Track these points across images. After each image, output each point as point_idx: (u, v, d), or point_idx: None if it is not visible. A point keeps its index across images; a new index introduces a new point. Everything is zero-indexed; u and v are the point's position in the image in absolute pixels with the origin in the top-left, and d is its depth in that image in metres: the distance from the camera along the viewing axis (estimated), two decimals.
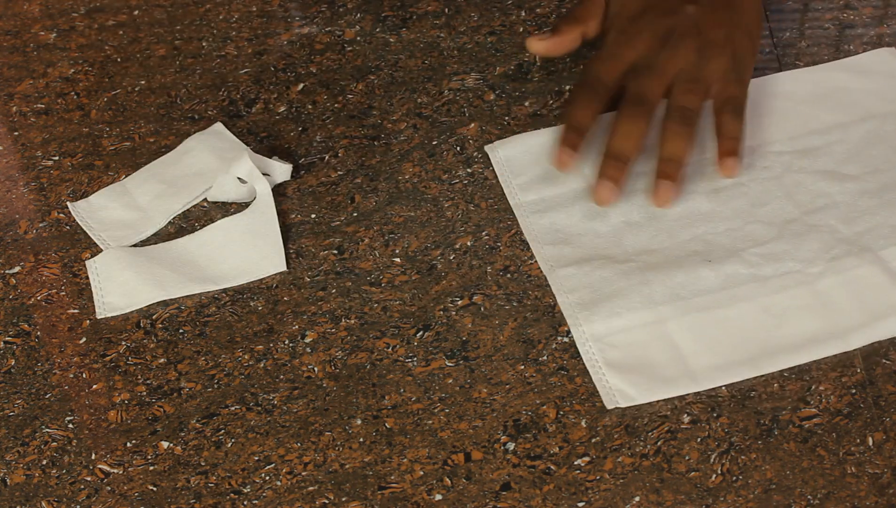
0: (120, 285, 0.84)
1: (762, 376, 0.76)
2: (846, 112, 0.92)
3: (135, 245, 0.87)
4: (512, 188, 0.89)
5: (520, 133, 0.93)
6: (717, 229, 0.85)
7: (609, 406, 0.75)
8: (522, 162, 0.91)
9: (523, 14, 1.04)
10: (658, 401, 0.75)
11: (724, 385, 0.76)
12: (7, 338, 0.82)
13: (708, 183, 0.87)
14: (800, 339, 0.78)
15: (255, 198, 0.88)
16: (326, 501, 0.73)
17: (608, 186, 0.84)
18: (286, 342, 0.81)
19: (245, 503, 0.73)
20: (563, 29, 0.93)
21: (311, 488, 0.73)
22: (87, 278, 0.85)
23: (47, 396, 0.79)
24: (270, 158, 0.90)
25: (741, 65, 0.88)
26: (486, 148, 0.92)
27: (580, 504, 0.71)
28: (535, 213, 0.87)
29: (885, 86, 0.94)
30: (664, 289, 0.81)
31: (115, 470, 0.75)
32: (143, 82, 0.99)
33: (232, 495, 0.73)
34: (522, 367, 0.78)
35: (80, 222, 0.88)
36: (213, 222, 0.88)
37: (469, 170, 0.91)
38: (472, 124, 0.94)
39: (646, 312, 0.80)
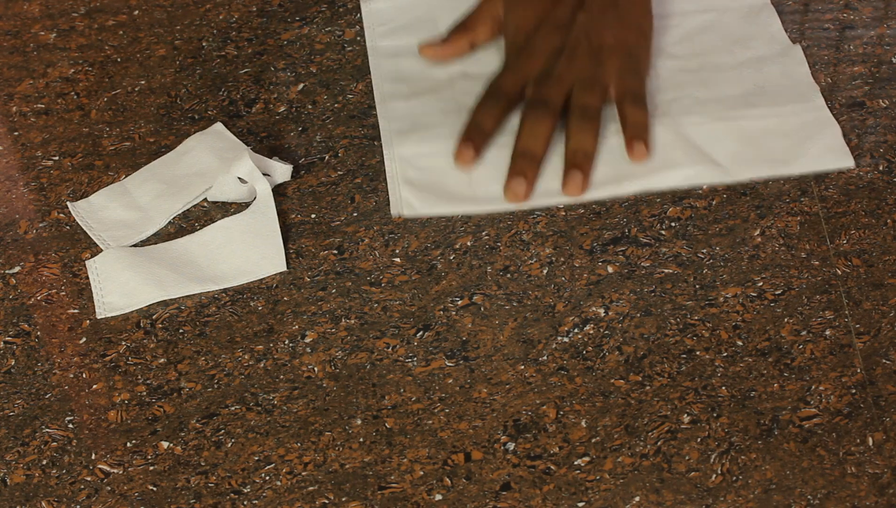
0: (120, 285, 0.84)
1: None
2: (691, 3, 1.00)
3: (135, 245, 0.87)
4: (374, 34, 0.99)
5: None
6: None
7: (394, 214, 0.87)
8: (390, 14, 1.00)
9: None
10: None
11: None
12: (7, 338, 0.82)
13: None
14: None
15: (255, 198, 0.88)
16: (326, 501, 0.73)
17: (520, 181, 0.87)
18: (286, 342, 0.81)
19: (245, 503, 0.73)
20: (452, 38, 0.97)
21: (311, 488, 0.73)
22: (87, 278, 0.85)
23: (47, 396, 0.79)
24: (271, 158, 0.90)
25: (635, 60, 0.93)
26: (361, 2, 1.02)
27: (580, 504, 0.71)
28: (387, 56, 0.97)
29: None
30: None
31: (115, 470, 0.75)
32: (143, 82, 0.99)
33: (232, 495, 0.73)
34: (522, 367, 0.78)
35: (80, 222, 0.88)
36: (213, 222, 0.88)
37: None
38: None
39: (451, 143, 0.90)
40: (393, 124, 0.92)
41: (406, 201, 0.87)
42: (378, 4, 1.01)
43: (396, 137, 0.91)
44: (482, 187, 0.87)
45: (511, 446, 0.74)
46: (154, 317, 0.83)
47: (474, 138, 0.89)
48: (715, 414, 0.75)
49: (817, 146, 0.88)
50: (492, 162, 0.89)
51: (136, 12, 1.04)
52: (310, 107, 0.96)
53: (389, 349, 0.80)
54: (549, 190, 0.87)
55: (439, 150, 0.90)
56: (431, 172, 0.88)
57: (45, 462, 0.76)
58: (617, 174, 0.88)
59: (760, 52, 0.96)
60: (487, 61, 0.95)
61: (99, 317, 0.83)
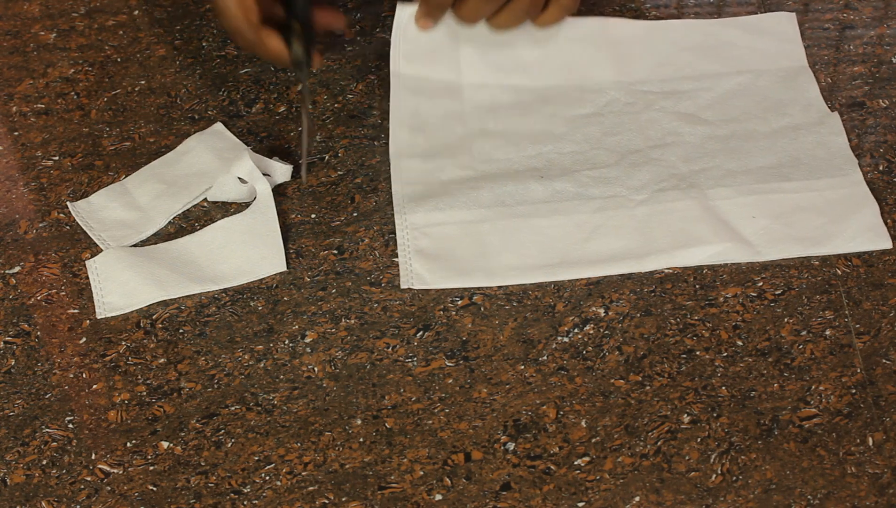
0: (120, 285, 0.84)
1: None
2: (724, 64, 0.96)
3: (135, 245, 0.87)
4: (398, 52, 0.94)
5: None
6: (562, 149, 0.90)
7: (403, 286, 0.82)
8: (415, 33, 0.94)
9: None
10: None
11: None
12: (7, 338, 0.82)
13: (570, 109, 0.92)
14: (600, 255, 0.83)
15: (255, 198, 0.88)
16: (326, 501, 0.73)
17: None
18: (286, 342, 0.81)
19: (245, 503, 0.73)
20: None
21: (311, 488, 0.73)
22: (87, 278, 0.85)
23: (47, 396, 0.79)
24: (271, 158, 0.90)
25: None
26: (398, 6, 0.94)
27: (580, 504, 0.71)
28: (408, 90, 0.93)
29: (771, 46, 0.97)
30: (492, 195, 0.87)
31: (115, 470, 0.75)
32: (143, 82, 0.99)
33: (232, 495, 0.73)
34: (522, 367, 0.78)
35: (80, 222, 0.88)
36: (213, 222, 0.88)
37: None
38: None
39: (466, 212, 0.86)
40: (406, 189, 0.88)
41: (417, 273, 0.83)
42: (409, 13, 0.94)
43: (409, 204, 0.87)
44: (496, 259, 0.83)
45: (511, 446, 0.74)
46: (154, 317, 0.83)
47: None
48: (715, 414, 0.75)
49: (853, 226, 0.83)
50: (506, 232, 0.85)
51: (136, 12, 1.04)
52: (310, 107, 0.96)
53: (389, 349, 0.80)
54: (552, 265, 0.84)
55: (453, 219, 0.86)
56: (444, 241, 0.84)
57: (45, 462, 0.76)
58: (640, 250, 0.83)
59: (796, 120, 0.91)
60: (508, 119, 0.92)
61: (99, 317, 0.83)
